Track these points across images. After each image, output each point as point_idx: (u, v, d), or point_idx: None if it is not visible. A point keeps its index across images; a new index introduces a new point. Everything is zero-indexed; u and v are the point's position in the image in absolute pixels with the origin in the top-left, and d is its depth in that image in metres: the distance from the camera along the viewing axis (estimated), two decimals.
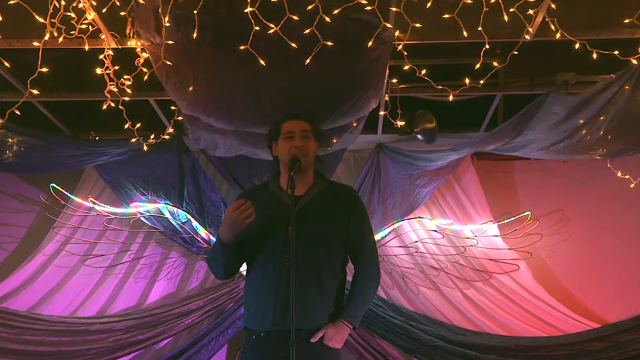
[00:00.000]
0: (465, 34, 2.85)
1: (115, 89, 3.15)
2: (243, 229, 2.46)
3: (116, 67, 3.14)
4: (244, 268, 2.73)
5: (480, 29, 2.79)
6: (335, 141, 4.15)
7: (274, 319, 2.45)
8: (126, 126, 3.46)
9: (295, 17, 2.65)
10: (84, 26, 2.88)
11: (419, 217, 4.96)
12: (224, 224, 2.50)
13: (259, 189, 2.78)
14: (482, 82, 3.07)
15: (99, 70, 3.13)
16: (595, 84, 3.68)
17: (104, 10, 2.84)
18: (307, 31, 2.70)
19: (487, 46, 2.89)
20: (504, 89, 4.34)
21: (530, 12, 2.88)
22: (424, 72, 3.05)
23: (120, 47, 3.20)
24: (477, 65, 2.97)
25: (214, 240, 4.61)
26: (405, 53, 2.96)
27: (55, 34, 2.81)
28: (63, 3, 2.75)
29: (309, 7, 2.64)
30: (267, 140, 2.73)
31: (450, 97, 3.19)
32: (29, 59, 2.98)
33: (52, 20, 2.74)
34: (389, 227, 4.88)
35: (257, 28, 2.68)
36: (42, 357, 4.37)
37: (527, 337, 4.60)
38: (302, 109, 2.70)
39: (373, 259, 2.70)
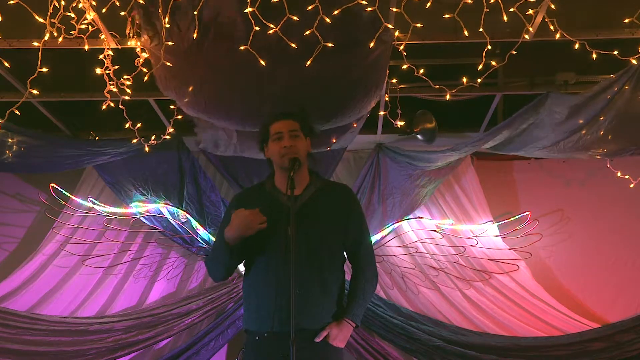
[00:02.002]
0: (465, 32, 2.84)
1: (115, 89, 3.15)
2: (251, 234, 2.47)
3: (116, 67, 3.14)
4: (242, 267, 2.73)
5: (481, 30, 2.79)
6: (334, 141, 4.15)
7: (278, 320, 2.43)
8: (127, 126, 3.46)
9: (295, 18, 2.65)
10: (84, 26, 2.87)
11: (419, 217, 4.96)
12: (232, 226, 2.49)
13: (254, 190, 2.78)
14: (479, 81, 3.07)
15: (99, 70, 3.13)
16: (595, 85, 3.68)
17: (103, 10, 2.84)
18: (308, 32, 2.70)
19: (489, 47, 2.88)
20: (503, 89, 4.34)
21: (530, 12, 2.87)
22: (422, 71, 3.05)
23: (120, 47, 3.20)
24: (480, 67, 2.97)
25: (214, 241, 4.67)
26: (405, 53, 2.96)
27: (55, 34, 2.81)
28: (63, 3, 2.74)
29: (309, 7, 2.64)
30: (258, 141, 2.74)
31: (447, 97, 3.19)
32: (29, 59, 2.97)
33: (52, 20, 2.74)
34: (394, 222, 4.88)
35: (257, 28, 2.68)
36: (42, 357, 4.37)
37: (527, 337, 4.60)
38: (291, 108, 2.69)
39: (371, 257, 2.72)
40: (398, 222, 4.90)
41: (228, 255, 2.54)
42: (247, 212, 2.47)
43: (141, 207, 4.81)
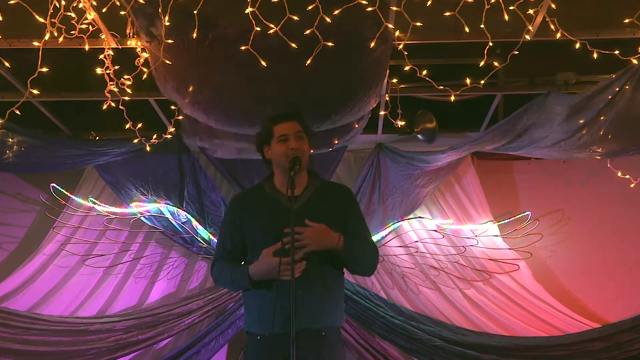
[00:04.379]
0: (467, 29, 2.84)
1: (115, 89, 3.15)
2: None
3: (116, 67, 3.13)
4: None
5: (482, 26, 2.79)
6: (336, 142, 4.15)
7: (280, 321, 2.40)
8: (127, 126, 3.45)
9: (295, 17, 2.64)
10: (84, 26, 2.87)
11: (419, 217, 4.96)
12: (260, 267, 2.45)
13: (254, 191, 2.77)
14: (482, 82, 3.07)
15: (99, 70, 3.13)
16: (596, 84, 3.68)
17: (104, 10, 2.84)
18: (308, 32, 2.70)
19: (491, 44, 2.88)
20: (504, 88, 4.34)
21: (531, 12, 2.87)
22: (424, 72, 3.05)
23: (120, 47, 3.20)
24: (481, 64, 2.97)
25: (214, 241, 4.67)
26: (406, 53, 2.95)
27: (55, 34, 2.80)
28: (63, 3, 2.74)
29: (309, 7, 2.64)
30: (256, 144, 2.71)
31: (452, 97, 3.18)
32: (29, 59, 2.97)
33: (52, 20, 2.74)
34: (384, 229, 4.89)
35: (258, 28, 2.67)
36: (42, 357, 4.37)
37: (527, 337, 4.60)
38: (289, 108, 2.68)
39: (375, 249, 2.71)
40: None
41: (248, 287, 2.53)
42: (276, 261, 2.41)
43: (141, 206, 4.81)
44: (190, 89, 3.27)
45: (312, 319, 2.44)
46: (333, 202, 2.67)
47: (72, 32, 2.84)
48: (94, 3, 2.84)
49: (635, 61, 3.04)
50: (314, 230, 2.43)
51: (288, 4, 2.60)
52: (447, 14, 2.78)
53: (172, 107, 3.72)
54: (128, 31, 3.16)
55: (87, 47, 3.02)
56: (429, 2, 2.74)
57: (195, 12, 2.66)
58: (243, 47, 2.74)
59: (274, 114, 2.66)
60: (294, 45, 2.74)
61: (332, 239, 2.47)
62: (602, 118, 3.75)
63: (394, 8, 2.77)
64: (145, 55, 3.12)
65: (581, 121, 3.81)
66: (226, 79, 3.24)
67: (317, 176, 2.73)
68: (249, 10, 2.62)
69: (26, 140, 4.17)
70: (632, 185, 4.59)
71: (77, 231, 4.88)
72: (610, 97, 3.61)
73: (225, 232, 2.69)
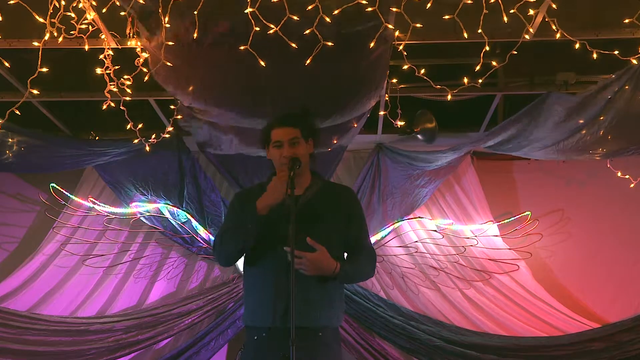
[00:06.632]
0: (465, 34, 2.84)
1: (115, 89, 3.15)
2: (279, 200, 2.50)
3: (116, 67, 3.14)
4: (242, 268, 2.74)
5: (480, 31, 2.79)
6: (335, 141, 4.15)
7: (275, 316, 2.46)
8: (128, 127, 3.46)
9: (295, 17, 2.64)
10: (84, 26, 2.87)
11: (419, 217, 4.96)
12: (264, 195, 2.53)
13: (256, 190, 2.78)
14: (480, 81, 3.07)
15: (99, 70, 3.13)
16: (595, 84, 3.68)
17: (104, 10, 2.84)
18: (307, 31, 2.70)
19: (488, 48, 2.88)
20: (504, 88, 4.34)
21: (531, 12, 2.87)
22: (422, 71, 3.05)
23: (120, 47, 3.20)
24: (478, 67, 2.97)
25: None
26: (405, 53, 2.95)
27: (55, 34, 2.80)
28: (63, 3, 2.74)
29: (309, 7, 2.64)
30: (260, 142, 2.76)
31: (449, 97, 3.18)
32: (29, 59, 2.97)
33: (52, 20, 2.74)
34: (389, 226, 4.89)
35: (257, 28, 2.67)
36: (42, 357, 4.37)
37: (527, 337, 4.60)
38: (293, 109, 2.70)
39: (372, 256, 2.74)
40: (392, 224, 4.90)
41: (255, 228, 2.53)
42: (279, 187, 2.50)
43: (141, 207, 4.81)
44: (190, 88, 3.27)
45: (306, 318, 2.45)
46: (335, 203, 2.68)
47: (72, 32, 2.84)
48: (94, 3, 2.84)
49: (635, 61, 3.03)
50: (313, 259, 2.44)
51: (288, 4, 2.60)
52: (447, 17, 2.78)
53: (172, 107, 3.72)
54: (128, 31, 3.16)
55: (87, 47, 3.02)
56: (429, 4, 2.74)
57: (195, 12, 2.66)
58: (242, 47, 2.75)
59: (274, 117, 2.68)
60: (294, 45, 2.75)
61: (329, 267, 2.50)
62: (601, 118, 3.75)
63: (394, 9, 2.77)
64: (145, 55, 3.12)
65: (581, 121, 3.82)
66: (225, 78, 3.25)
67: (320, 177, 2.75)
68: (248, 10, 2.62)
69: (26, 140, 4.17)
70: (632, 185, 4.58)
71: (76, 231, 4.88)
72: (609, 97, 3.61)
73: (231, 218, 2.74)
